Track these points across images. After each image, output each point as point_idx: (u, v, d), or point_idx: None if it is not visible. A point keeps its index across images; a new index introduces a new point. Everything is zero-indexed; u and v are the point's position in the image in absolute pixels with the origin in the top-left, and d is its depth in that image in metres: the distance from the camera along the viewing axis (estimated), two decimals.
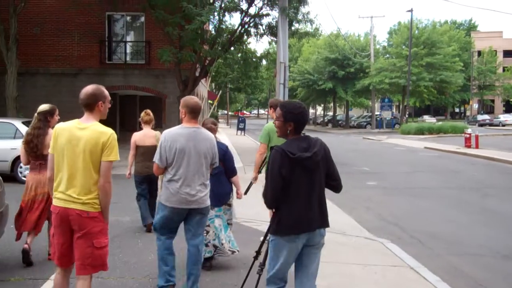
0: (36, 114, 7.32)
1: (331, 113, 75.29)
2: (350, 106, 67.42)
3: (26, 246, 7.06)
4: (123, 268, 6.93)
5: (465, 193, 14.22)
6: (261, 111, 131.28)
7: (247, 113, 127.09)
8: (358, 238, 9.18)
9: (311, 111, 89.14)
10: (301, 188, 4.38)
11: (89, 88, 4.72)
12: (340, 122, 68.10)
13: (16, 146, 14.67)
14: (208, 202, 5.85)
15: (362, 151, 28.63)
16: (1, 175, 7.75)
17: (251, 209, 11.38)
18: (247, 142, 34.52)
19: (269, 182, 4.37)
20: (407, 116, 52.18)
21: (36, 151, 7.08)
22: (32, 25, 24.79)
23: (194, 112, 5.77)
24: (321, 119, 77.12)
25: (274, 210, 4.50)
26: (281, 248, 4.41)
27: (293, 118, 4.47)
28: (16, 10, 20.18)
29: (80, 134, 4.56)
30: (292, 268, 4.65)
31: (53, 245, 4.76)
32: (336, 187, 4.70)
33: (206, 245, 6.70)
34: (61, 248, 4.65)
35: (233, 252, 6.98)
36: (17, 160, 14.66)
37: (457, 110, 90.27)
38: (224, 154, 6.82)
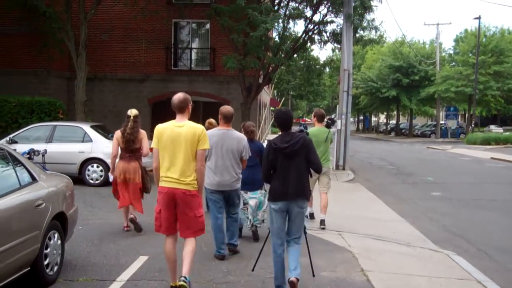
0: (132, 117, 9.22)
1: (394, 121, 74.16)
2: (414, 114, 66.13)
3: (132, 216, 9.25)
4: None
5: None
6: None
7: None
8: (422, 250, 9.03)
9: (373, 119, 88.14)
10: (281, 169, 6.13)
11: (180, 95, 6.09)
12: (403, 131, 66.98)
13: (84, 150, 15.17)
14: (237, 186, 7.86)
15: (427, 160, 28.08)
16: (70, 177, 8.00)
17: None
18: None
19: (262, 165, 6.37)
20: (473, 125, 50.83)
21: (131, 145, 9.15)
22: (101, 31, 25.51)
23: (226, 118, 7.64)
24: (384, 127, 76.07)
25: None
26: (271, 211, 6.25)
27: (277, 121, 6.30)
28: (87, 17, 20.74)
29: (179, 131, 5.93)
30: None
31: (158, 219, 6.04)
32: (315, 169, 6.31)
33: (245, 219, 8.79)
34: (167, 221, 6.00)
35: (256, 226, 8.91)
36: (85, 163, 15.11)
37: None
38: (261, 151, 8.27)
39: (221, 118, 7.66)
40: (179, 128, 5.94)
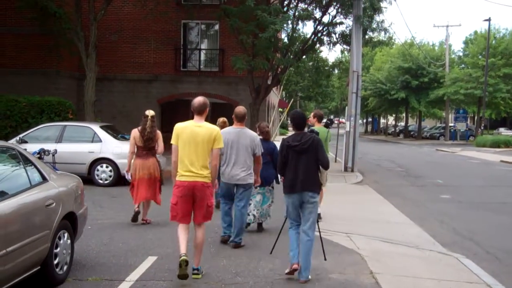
0: (149, 117, 9.92)
1: (402, 123, 73.96)
2: (423, 116, 65.88)
3: (137, 210, 9.96)
4: None
5: None
6: None
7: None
8: (431, 252, 8.99)
9: (382, 121, 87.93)
10: (292, 164, 6.95)
11: (201, 99, 6.84)
12: (412, 133, 66.76)
13: (93, 150, 15.22)
14: (250, 181, 8.47)
15: (436, 163, 27.99)
16: (79, 177, 8.03)
17: (323, 219, 11.36)
18: None
19: (278, 158, 7.31)
20: (482, 128, 50.62)
21: (150, 143, 9.91)
22: (111, 32, 25.63)
23: (239, 118, 8.44)
24: (393, 130, 75.88)
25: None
26: (286, 200, 7.08)
27: (291, 121, 7.20)
28: (96, 18, 20.81)
29: (198, 130, 6.67)
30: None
31: (174, 210, 6.76)
32: (323, 166, 7.06)
33: (247, 214, 9.11)
34: (184, 212, 6.74)
35: (260, 223, 9.68)
36: (94, 163, 15.16)
37: None
38: (273, 151, 9.24)
39: (234, 117, 8.48)
40: (198, 128, 6.68)
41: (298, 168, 6.88)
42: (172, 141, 6.72)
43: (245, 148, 8.33)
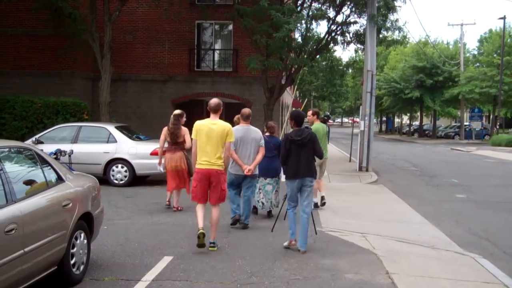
0: (173, 116, 11.57)
1: (417, 123, 73.52)
2: (437, 115, 65.43)
3: (168, 203, 11.67)
4: (211, 273, 7.05)
5: None
6: (345, 119, 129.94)
7: (331, 121, 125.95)
8: (448, 252, 8.94)
9: (396, 120, 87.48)
10: (294, 155, 8.31)
11: (215, 100, 8.35)
12: (426, 132, 66.37)
13: (109, 150, 15.29)
14: (256, 172, 9.97)
15: (451, 162, 27.80)
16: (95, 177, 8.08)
17: (337, 218, 11.36)
18: (331, 151, 34.17)
19: (281, 151, 8.55)
20: (497, 127, 50.21)
21: (175, 138, 11.44)
22: (125, 33, 25.72)
23: (244, 117, 9.91)
24: (407, 129, 75.49)
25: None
26: (288, 185, 8.45)
27: (292, 118, 8.61)
28: (111, 19, 20.91)
29: (213, 127, 8.13)
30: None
31: (195, 192, 8.26)
32: (318, 156, 8.61)
33: (258, 201, 10.84)
34: (202, 193, 8.22)
35: (270, 211, 11.01)
36: (109, 163, 15.23)
37: None
38: (279, 146, 9.67)
39: (240, 117, 10.10)
40: (214, 125, 8.15)
41: (300, 158, 8.30)
42: (192, 136, 8.31)
43: (253, 142, 9.73)
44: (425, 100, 57.01)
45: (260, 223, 10.35)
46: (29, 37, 24.27)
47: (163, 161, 11.78)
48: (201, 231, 7.93)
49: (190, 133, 8.81)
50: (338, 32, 23.77)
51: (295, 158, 8.29)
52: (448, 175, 21.04)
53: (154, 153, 15.05)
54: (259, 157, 9.70)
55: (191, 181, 9.45)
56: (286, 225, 9.21)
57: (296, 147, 8.29)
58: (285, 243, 8.50)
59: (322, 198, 12.37)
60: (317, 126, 11.91)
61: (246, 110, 10.03)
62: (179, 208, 11.46)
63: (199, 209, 8.25)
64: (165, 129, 11.67)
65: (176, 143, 11.48)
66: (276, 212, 10.33)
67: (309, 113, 12.44)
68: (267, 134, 10.96)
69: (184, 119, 11.77)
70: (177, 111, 11.76)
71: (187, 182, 11.46)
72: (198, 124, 8.21)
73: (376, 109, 50.04)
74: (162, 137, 11.66)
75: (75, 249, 6.42)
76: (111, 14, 20.99)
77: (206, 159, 8.07)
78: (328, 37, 23.73)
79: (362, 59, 26.45)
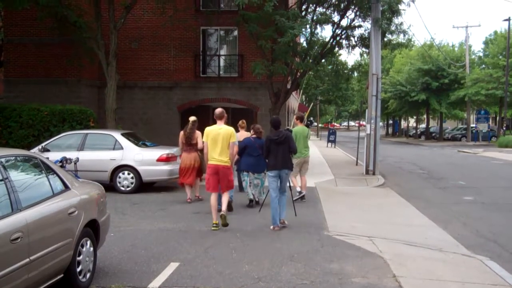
0: (191, 122, 13.51)
1: (423, 125, 73.32)
2: (444, 118, 65.24)
3: (189, 200, 13.56)
4: (218, 278, 7.05)
5: None
6: (351, 123, 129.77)
7: (337, 125, 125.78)
8: (455, 255, 8.91)
9: (402, 123, 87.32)
10: (273, 151, 10.36)
11: (219, 109, 10.49)
12: (433, 134, 66.20)
13: (115, 157, 15.32)
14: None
15: (458, 164, 27.72)
16: (101, 184, 8.09)
17: (344, 222, 11.33)
18: (337, 154, 34.26)
19: (264, 149, 10.69)
20: (504, 128, 50.01)
21: (189, 140, 13.47)
22: (131, 40, 25.75)
23: (216, 117, 10.52)
24: (414, 131, 75.32)
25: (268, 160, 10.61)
26: (269, 177, 10.47)
27: (272, 124, 10.85)
28: (116, 26, 20.95)
29: (220, 131, 10.17)
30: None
31: (208, 183, 10.29)
32: (292, 152, 10.77)
33: (249, 193, 12.89)
34: (213, 184, 10.24)
35: (257, 201, 12.91)
36: (116, 170, 15.25)
37: None
38: (262, 146, 11.28)
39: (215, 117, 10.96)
40: (220, 130, 10.21)
41: (278, 154, 10.38)
42: (204, 139, 10.40)
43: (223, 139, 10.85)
44: (431, 103, 56.88)
45: (266, 229, 10.34)
46: (35, 46, 24.36)
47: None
48: (221, 213, 10.01)
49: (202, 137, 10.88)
50: (343, 36, 23.75)
51: (274, 154, 10.39)
52: (455, 177, 20.98)
53: (160, 159, 15.09)
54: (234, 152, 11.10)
55: (203, 176, 12.44)
56: (293, 232, 9.25)
57: (274, 145, 10.40)
58: (271, 227, 10.29)
59: (300, 193, 14.00)
60: (297, 128, 14.01)
61: (217, 110, 10.84)
62: (199, 197, 13.75)
63: (213, 199, 10.29)
64: (181, 132, 13.66)
65: (190, 144, 13.50)
66: (261, 202, 12.58)
67: (294, 117, 14.73)
68: (253, 136, 12.88)
69: (196, 124, 13.69)
70: (193, 118, 13.65)
71: (194, 178, 13.67)
72: (208, 129, 10.25)
73: (382, 112, 50.04)
74: (180, 139, 13.66)
75: (81, 256, 6.43)
76: (116, 21, 21.02)
77: (215, 157, 10.11)
78: (333, 41, 23.72)
79: (367, 62, 26.47)
